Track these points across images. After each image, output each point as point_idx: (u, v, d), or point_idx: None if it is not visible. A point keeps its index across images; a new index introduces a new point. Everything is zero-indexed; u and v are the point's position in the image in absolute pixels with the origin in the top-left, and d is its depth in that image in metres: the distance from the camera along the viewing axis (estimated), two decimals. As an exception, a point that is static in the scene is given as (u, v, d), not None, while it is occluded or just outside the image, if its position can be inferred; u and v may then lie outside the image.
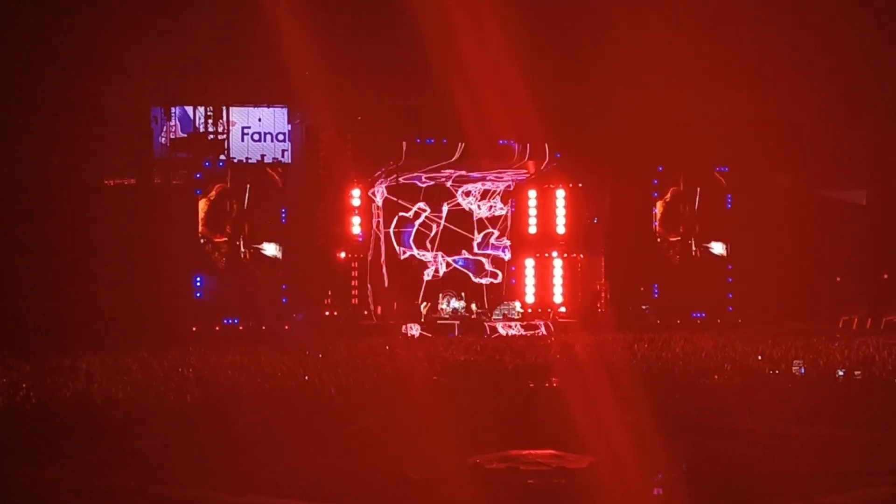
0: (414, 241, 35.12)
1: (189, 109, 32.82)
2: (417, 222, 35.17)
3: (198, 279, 32.01)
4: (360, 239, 34.04)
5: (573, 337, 29.25)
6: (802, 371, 21.84)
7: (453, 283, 35.09)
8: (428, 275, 35.06)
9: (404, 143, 33.15)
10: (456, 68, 29.67)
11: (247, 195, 32.26)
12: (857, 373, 21.54)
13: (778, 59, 32.70)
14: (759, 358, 23.61)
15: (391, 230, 34.96)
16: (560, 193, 35.47)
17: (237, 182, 32.30)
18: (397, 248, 35.00)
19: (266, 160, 32.89)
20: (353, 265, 34.08)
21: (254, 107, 33.52)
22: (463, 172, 34.58)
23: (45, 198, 30.30)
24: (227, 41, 31.44)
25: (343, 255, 33.98)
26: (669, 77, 31.84)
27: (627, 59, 30.89)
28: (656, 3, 31.21)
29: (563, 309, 35.08)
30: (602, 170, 34.63)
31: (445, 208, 35.33)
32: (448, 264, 35.31)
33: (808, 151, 34.17)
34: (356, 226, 33.95)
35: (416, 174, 34.46)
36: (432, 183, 35.02)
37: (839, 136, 34.12)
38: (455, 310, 34.37)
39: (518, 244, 35.72)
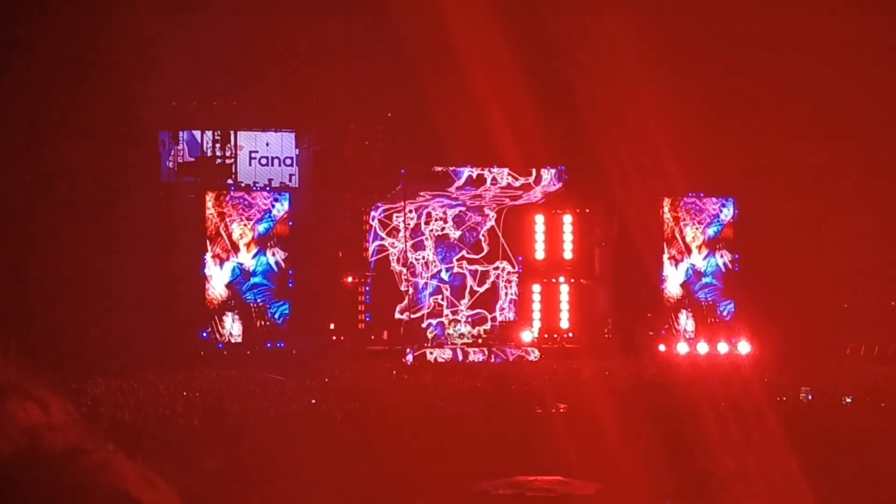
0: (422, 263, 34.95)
1: (197, 133, 32.87)
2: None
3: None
4: (371, 264, 33.99)
5: (579, 362, 29.16)
6: (809, 398, 21.78)
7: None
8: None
9: (413, 167, 33.13)
10: (464, 95, 29.75)
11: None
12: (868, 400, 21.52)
13: (786, 88, 32.74)
14: (766, 380, 23.56)
15: (398, 253, 34.77)
16: (567, 219, 35.35)
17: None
18: (405, 271, 34.76)
19: (273, 184, 32.89)
20: (360, 289, 34.02)
21: (261, 131, 33.56)
22: (468, 196, 34.42)
23: (52, 222, 30.34)
24: (236, 66, 31.55)
25: (350, 279, 33.92)
26: (678, 104, 31.86)
27: (637, 86, 30.93)
28: (667, 34, 31.27)
29: (570, 334, 34.97)
30: (610, 195, 34.54)
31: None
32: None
33: (816, 178, 34.11)
34: (364, 250, 33.91)
35: (423, 198, 34.31)
36: (439, 206, 34.88)
37: (848, 163, 34.07)
38: (462, 334, 34.15)
39: (525, 269, 35.56)
